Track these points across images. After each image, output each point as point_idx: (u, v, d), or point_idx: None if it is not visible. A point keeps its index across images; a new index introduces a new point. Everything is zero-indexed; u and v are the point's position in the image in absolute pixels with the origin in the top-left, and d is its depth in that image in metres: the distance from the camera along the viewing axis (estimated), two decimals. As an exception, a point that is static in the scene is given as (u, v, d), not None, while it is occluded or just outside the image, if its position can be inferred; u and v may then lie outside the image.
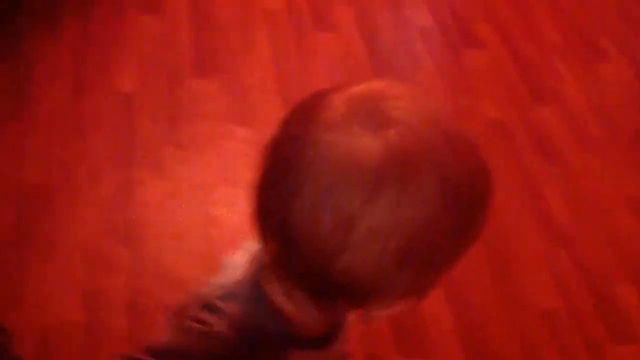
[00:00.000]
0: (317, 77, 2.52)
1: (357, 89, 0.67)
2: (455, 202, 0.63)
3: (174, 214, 2.02)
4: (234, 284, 0.75)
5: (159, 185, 2.07)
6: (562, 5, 3.07)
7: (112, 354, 1.55)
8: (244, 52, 2.54)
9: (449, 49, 2.81)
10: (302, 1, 2.83)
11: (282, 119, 0.73)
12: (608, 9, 3.05)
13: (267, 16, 2.71)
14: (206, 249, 1.95)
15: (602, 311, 2.04)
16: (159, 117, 2.24)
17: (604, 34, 2.93)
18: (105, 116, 2.21)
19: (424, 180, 0.60)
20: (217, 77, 2.41)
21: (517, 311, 2.06)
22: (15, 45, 2.33)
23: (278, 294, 0.72)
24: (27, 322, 1.75)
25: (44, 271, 1.83)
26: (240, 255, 0.80)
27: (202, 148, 2.20)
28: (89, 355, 1.73)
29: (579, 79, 2.82)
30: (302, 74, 2.53)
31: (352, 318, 0.78)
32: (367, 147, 0.60)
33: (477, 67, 2.77)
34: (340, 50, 2.67)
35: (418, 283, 0.65)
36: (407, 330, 1.89)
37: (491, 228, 2.06)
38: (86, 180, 2.03)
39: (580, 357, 2.00)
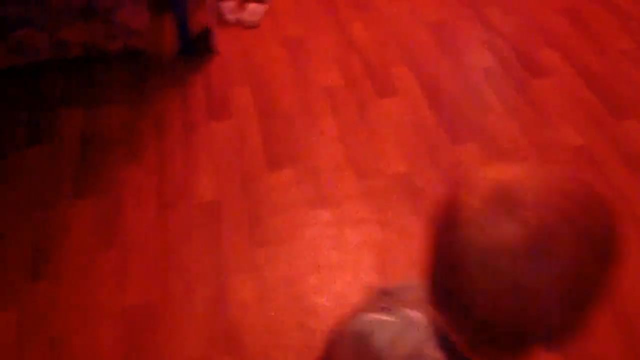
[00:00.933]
0: (385, 144, 2.52)
1: (482, 183, 0.76)
2: (596, 254, 0.73)
3: (270, 312, 2.04)
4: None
5: (251, 287, 2.10)
6: (623, 7, 2.93)
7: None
8: (311, 134, 2.59)
9: (515, 83, 2.74)
10: (359, 69, 2.87)
11: (430, 231, 0.83)
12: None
13: (327, 93, 2.76)
14: (305, 341, 1.95)
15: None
16: (241, 219, 2.30)
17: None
18: (191, 228, 2.30)
19: (567, 246, 0.71)
20: (289, 166, 2.47)
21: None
22: (100, 179, 2.50)
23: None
24: None
25: (159, 392, 1.89)
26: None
27: (287, 240, 2.23)
28: None
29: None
30: (371, 143, 2.54)
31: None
32: (510, 233, 0.70)
33: (549, 96, 2.67)
34: (405, 112, 2.67)
35: (577, 321, 0.77)
36: None
37: None
38: (183, 294, 2.10)
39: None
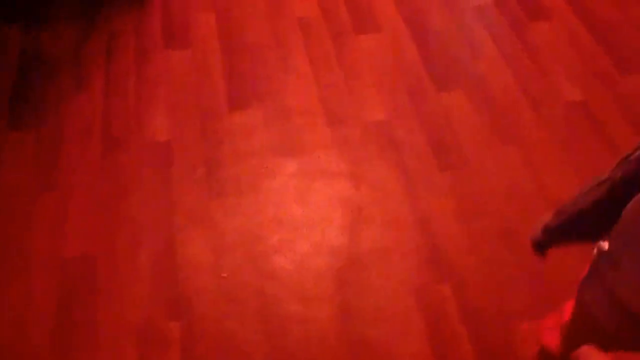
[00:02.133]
0: (363, 87, 2.25)
1: None
2: None
3: (225, 273, 1.81)
4: None
5: (204, 243, 1.86)
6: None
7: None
8: (281, 71, 2.30)
9: (511, 25, 2.46)
10: (339, 2, 2.56)
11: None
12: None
13: (301, 26, 2.46)
14: (263, 308, 1.73)
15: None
16: (198, 164, 2.04)
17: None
18: (141, 171, 2.03)
19: None
20: (254, 106, 2.19)
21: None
22: (39, 108, 2.20)
23: None
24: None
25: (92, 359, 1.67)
26: None
27: (247, 191, 1.97)
28: None
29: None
30: (347, 85, 2.26)
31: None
32: None
33: (547, 42, 2.40)
34: (386, 50, 2.38)
35: None
36: None
37: None
38: (127, 247, 1.86)
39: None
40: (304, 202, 1.95)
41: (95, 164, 2.04)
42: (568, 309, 1.17)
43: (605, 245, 0.93)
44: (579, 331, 1.05)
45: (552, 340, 1.29)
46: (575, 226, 1.09)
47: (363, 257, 1.83)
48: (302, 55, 2.35)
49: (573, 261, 1.82)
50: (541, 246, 1.16)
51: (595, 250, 0.96)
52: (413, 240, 1.86)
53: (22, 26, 2.43)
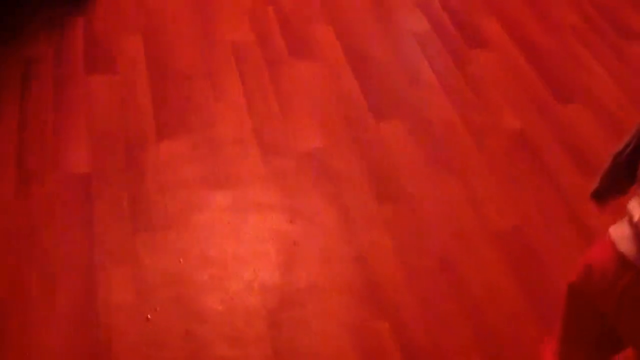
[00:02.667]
0: (299, 116, 2.17)
1: None
2: None
3: (149, 318, 1.67)
4: None
5: (127, 284, 1.72)
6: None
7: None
8: (212, 100, 2.20)
9: (451, 53, 2.44)
10: (273, 24, 2.48)
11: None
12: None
13: (234, 52, 2.37)
14: (192, 353, 1.61)
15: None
16: (121, 197, 1.90)
17: (629, 7, 2.55)
18: (58, 206, 1.88)
19: None
20: (183, 137, 2.07)
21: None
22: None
23: None
24: None
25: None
26: None
27: (174, 226, 1.85)
28: None
29: (607, 65, 2.43)
30: (281, 114, 2.17)
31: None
32: None
33: (487, 70, 2.39)
34: (323, 78, 2.31)
35: None
36: None
37: (530, 268, 1.63)
38: (41, 290, 1.70)
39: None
40: (235, 238, 1.84)
41: (6, 200, 1.88)
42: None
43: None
44: None
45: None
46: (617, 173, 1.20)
47: (297, 295, 1.73)
48: (234, 82, 2.26)
49: (510, 294, 1.78)
50: (598, 196, 1.25)
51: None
52: (350, 276, 1.78)
53: None
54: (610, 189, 1.23)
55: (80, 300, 1.68)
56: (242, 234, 1.85)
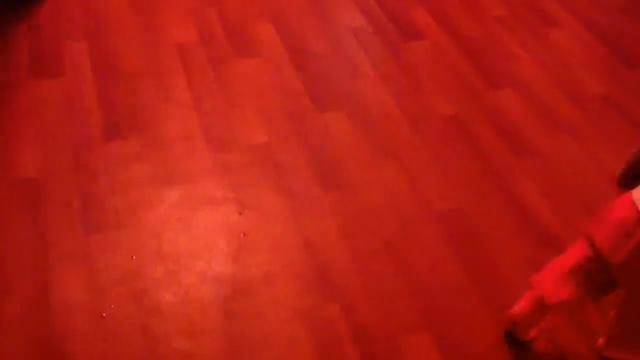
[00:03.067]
0: (244, 111, 2.23)
1: None
2: None
3: (104, 315, 1.71)
4: None
5: (81, 283, 1.75)
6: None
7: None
8: (159, 99, 2.24)
9: (387, 46, 2.53)
10: (216, 25, 2.53)
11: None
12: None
13: (180, 52, 2.41)
14: (149, 348, 1.65)
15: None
16: (71, 199, 1.93)
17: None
18: (7, 209, 1.89)
19: None
20: (131, 136, 2.11)
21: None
22: None
23: None
24: None
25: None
26: None
27: (126, 224, 1.89)
28: None
29: (532, 51, 2.57)
30: (227, 111, 2.23)
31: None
32: None
33: (421, 61, 2.49)
34: (266, 74, 2.38)
35: None
36: None
37: (470, 246, 1.74)
38: (-5, 294, 1.73)
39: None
40: (187, 232, 1.89)
41: (-44, 206, 1.88)
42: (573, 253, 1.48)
43: None
44: None
45: (550, 287, 1.52)
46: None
47: (249, 284, 1.79)
48: (181, 81, 2.30)
49: (452, 271, 1.88)
50: (626, 183, 1.41)
51: None
52: (299, 263, 1.85)
53: None
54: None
55: (33, 302, 1.70)
56: (193, 228, 1.90)
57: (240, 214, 1.94)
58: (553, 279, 1.51)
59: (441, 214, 1.99)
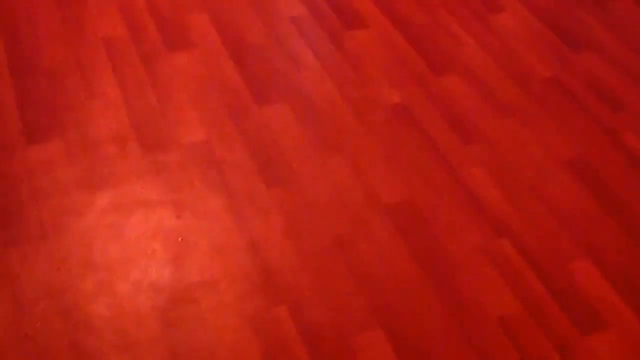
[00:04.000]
0: (179, 108, 2.09)
1: None
2: None
3: (29, 334, 1.55)
4: None
5: (3, 300, 1.59)
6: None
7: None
8: (84, 98, 2.08)
9: (329, 35, 2.43)
10: (146, 17, 2.38)
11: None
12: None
13: (107, 47, 2.25)
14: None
15: (561, 299, 1.73)
16: (-12, 208, 1.77)
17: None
18: None
19: None
20: (54, 138, 1.95)
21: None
22: None
23: None
24: None
25: None
26: None
27: (50, 234, 1.73)
28: None
29: (478, 36, 2.51)
30: (161, 107, 2.09)
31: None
32: None
33: (365, 49, 2.40)
34: (202, 68, 2.24)
35: None
36: None
37: (422, 238, 1.66)
38: None
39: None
40: (119, 239, 1.75)
41: None
42: None
43: None
44: None
45: None
46: None
47: (190, 291, 1.66)
48: (108, 78, 2.14)
49: (404, 265, 1.80)
50: None
51: None
52: (243, 265, 1.73)
53: None
54: None
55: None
56: (126, 234, 1.76)
57: (177, 217, 1.81)
58: None
59: (390, 207, 1.90)
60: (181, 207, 1.83)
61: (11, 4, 2.36)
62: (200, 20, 2.42)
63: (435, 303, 1.70)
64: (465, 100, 2.25)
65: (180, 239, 1.76)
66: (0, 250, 1.68)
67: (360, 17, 2.53)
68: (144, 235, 1.76)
